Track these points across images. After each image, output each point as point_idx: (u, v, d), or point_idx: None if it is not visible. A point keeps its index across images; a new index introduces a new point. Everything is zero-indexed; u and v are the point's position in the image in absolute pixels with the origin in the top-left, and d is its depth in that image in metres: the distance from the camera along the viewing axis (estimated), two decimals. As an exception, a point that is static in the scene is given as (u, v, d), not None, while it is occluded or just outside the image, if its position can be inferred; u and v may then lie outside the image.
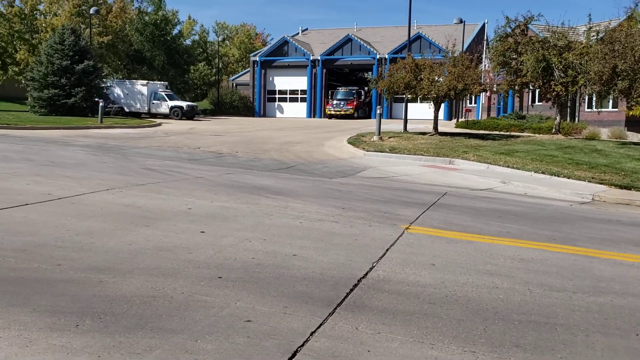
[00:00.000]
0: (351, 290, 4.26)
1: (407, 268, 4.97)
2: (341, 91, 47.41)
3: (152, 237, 5.50)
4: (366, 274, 4.69)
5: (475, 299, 4.24)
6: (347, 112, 45.29)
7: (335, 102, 46.39)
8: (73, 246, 5.07)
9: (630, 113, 25.82)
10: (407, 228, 6.65)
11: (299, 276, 4.52)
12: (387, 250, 5.54)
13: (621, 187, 11.97)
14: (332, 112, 45.93)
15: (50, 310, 3.58)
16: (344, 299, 4.05)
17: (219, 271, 4.52)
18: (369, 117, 46.22)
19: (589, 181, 12.43)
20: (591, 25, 22.48)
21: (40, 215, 6.24)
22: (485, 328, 3.67)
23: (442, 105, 26.27)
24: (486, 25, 43.46)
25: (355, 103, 45.94)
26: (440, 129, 24.52)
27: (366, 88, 48.19)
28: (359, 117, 45.46)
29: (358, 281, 4.49)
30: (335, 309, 3.85)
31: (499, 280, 4.72)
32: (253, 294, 4.03)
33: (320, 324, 3.57)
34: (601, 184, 12.18)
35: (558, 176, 13.05)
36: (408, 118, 26.69)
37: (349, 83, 51.14)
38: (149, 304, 3.76)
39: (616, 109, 29.43)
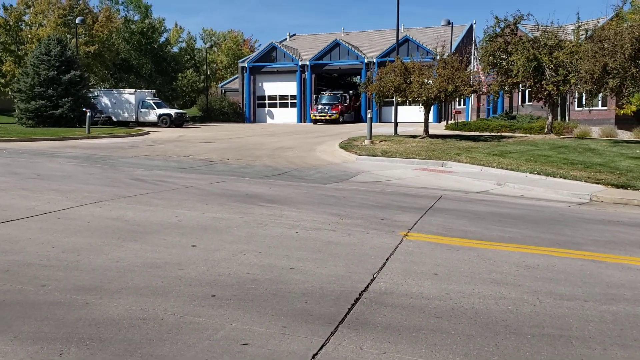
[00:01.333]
0: (353, 305, 4.04)
1: (409, 279, 4.76)
2: (325, 96, 46.57)
3: (141, 252, 5.26)
4: (367, 287, 4.48)
5: (483, 311, 4.03)
6: (332, 117, 44.27)
7: (320, 106, 45.41)
8: (59, 265, 4.82)
9: (622, 112, 25.83)
10: (405, 235, 6.44)
11: (297, 291, 4.29)
12: (387, 259, 5.33)
13: (617, 186, 11.83)
14: (317, 117, 44.95)
15: (33, 337, 3.34)
16: (345, 316, 3.83)
17: (212, 289, 4.29)
18: (356, 122, 45.90)
19: (585, 181, 12.29)
20: (580, 23, 22.47)
21: (25, 231, 5.99)
22: (497, 344, 3.46)
23: (432, 107, 26.14)
24: (474, 26, 43.48)
25: (340, 107, 44.97)
26: (431, 131, 24.40)
27: (351, 92, 47.71)
28: (344, 122, 44.69)
29: (359, 295, 4.27)
30: (338, 327, 3.63)
31: (506, 290, 4.52)
32: (249, 313, 3.80)
33: (323, 345, 3.35)
34: (597, 183, 12.05)
35: (554, 177, 12.90)
36: (398, 121, 26.55)
37: (338, 87, 51.01)
38: (139, 327, 3.52)
39: (606, 108, 29.47)
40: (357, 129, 31.55)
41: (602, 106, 29.71)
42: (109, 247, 5.42)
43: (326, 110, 44.65)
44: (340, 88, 50.30)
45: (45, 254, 5.13)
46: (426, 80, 22.13)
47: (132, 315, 3.72)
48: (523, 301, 4.27)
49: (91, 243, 5.56)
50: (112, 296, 4.08)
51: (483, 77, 25.37)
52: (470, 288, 4.55)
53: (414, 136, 23.47)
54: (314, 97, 48.67)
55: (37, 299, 3.98)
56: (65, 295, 4.07)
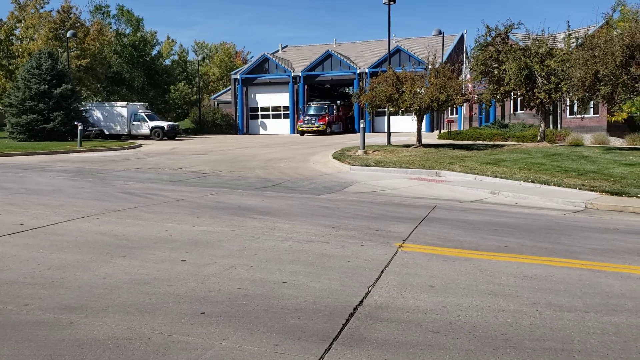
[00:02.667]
0: (347, 320, 3.91)
1: (405, 292, 4.63)
2: (312, 106, 45.73)
3: (129, 268, 5.11)
4: (362, 301, 4.35)
5: (482, 324, 3.91)
6: (319, 128, 43.19)
7: (306, 117, 44.42)
8: (43, 282, 4.67)
9: (613, 119, 25.89)
10: (400, 246, 6.32)
11: (290, 307, 4.15)
12: (382, 272, 5.21)
13: (612, 193, 11.77)
14: (304, 129, 43.83)
15: (12, 361, 3.19)
16: (340, 332, 3.69)
17: (201, 305, 4.14)
18: (344, 133, 45.17)
19: (579, 188, 12.22)
20: (570, 32, 22.53)
21: (10, 248, 5.83)
22: (497, 359, 3.34)
23: (424, 117, 26.13)
24: (465, 35, 43.66)
25: (327, 118, 43.83)
26: (424, 140, 24.37)
27: (339, 102, 46.73)
28: (332, 133, 43.70)
29: (354, 309, 4.14)
30: (332, 344, 3.50)
31: (504, 302, 4.40)
32: (240, 331, 3.66)
33: (316, 364, 3.21)
34: (592, 190, 11.97)
35: (548, 184, 12.83)
36: (391, 131, 26.52)
37: (330, 98, 51.01)
38: (124, 348, 3.38)
39: (597, 115, 29.56)
40: (350, 140, 31.52)
41: (594, 113, 29.79)
42: (96, 263, 5.27)
43: (313, 121, 43.68)
44: (333, 99, 50.27)
45: (30, 271, 4.98)
46: (418, 90, 22.11)
47: (117, 335, 3.57)
48: (522, 313, 4.15)
49: (78, 259, 5.41)
50: (97, 315, 3.93)
51: (471, 86, 25.35)
52: (468, 300, 4.42)
53: (407, 146, 23.41)
54: (301, 107, 48.27)
55: (19, 319, 3.83)
56: (48, 315, 3.91)
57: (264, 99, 51.95)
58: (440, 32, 39.04)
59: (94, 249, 5.83)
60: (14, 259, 5.39)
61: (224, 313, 3.99)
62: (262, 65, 51.75)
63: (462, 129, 37.33)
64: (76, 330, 3.64)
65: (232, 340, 3.51)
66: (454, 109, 39.92)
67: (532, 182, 13.25)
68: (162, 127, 39.85)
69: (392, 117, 26.97)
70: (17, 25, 49.13)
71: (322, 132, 43.17)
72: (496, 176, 14.28)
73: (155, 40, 64.43)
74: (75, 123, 31.48)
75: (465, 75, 31.17)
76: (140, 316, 3.91)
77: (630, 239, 7.32)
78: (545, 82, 21.25)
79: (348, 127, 48.20)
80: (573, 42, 21.92)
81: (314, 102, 47.04)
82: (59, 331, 3.63)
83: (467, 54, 40.98)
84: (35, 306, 4.09)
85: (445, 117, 42.99)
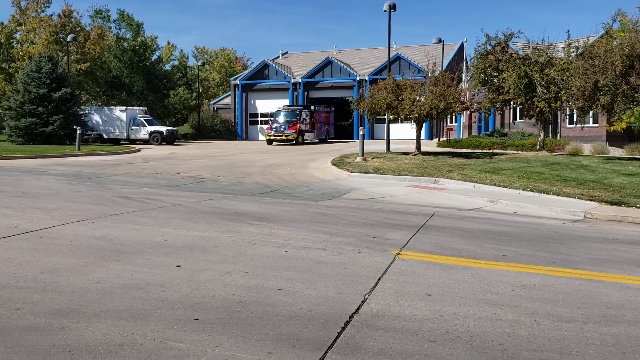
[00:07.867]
0: (343, 328, 3.85)
1: (401, 300, 4.58)
2: (283, 112, 40.88)
3: (123, 273, 5.06)
4: (358, 309, 4.29)
5: (479, 334, 3.85)
6: (289, 137, 38.77)
7: (274, 125, 39.76)
8: (36, 286, 4.61)
9: (612, 128, 25.90)
10: (398, 254, 6.27)
11: (285, 314, 4.10)
12: (378, 279, 5.15)
13: (611, 203, 11.72)
14: (272, 137, 39.19)
15: (1, 366, 3.13)
16: (335, 340, 3.63)
17: (195, 312, 4.09)
18: (322, 143, 41.94)
19: (578, 198, 12.18)
20: (570, 41, 22.56)
21: (4, 251, 5.77)
22: (494, 370, 3.29)
23: (424, 124, 26.11)
24: (465, 44, 43.72)
25: (298, 126, 39.24)
26: (423, 148, 24.33)
27: (312, 107, 43.05)
28: (303, 143, 39.50)
29: (350, 317, 4.08)
30: (326, 352, 3.44)
31: (502, 312, 4.34)
32: (234, 338, 3.61)
33: (310, 372, 3.16)
34: (591, 200, 11.93)
35: (547, 193, 12.79)
36: (390, 138, 26.48)
37: (330, 105, 51.02)
38: (116, 354, 3.32)
39: (597, 125, 29.56)
40: (349, 147, 31.50)
41: (593, 123, 29.80)
42: (90, 268, 5.22)
43: (282, 129, 39.10)
44: (333, 105, 50.22)
45: (23, 275, 4.92)
46: (418, 98, 22.10)
47: (109, 341, 3.52)
48: (520, 323, 4.09)
49: (72, 263, 5.36)
50: (89, 320, 3.87)
51: (465, 95, 25.34)
52: (465, 309, 4.37)
53: (406, 153, 23.38)
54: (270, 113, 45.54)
55: (10, 324, 3.77)
56: (40, 320, 3.86)
57: (264, 105, 51.95)
58: (440, 41, 39.15)
59: (88, 253, 5.77)
60: (7, 262, 5.34)
61: (218, 320, 3.94)
62: (262, 71, 51.80)
63: (461, 137, 37.33)
64: (67, 336, 3.59)
65: (225, 348, 3.45)
66: (454, 117, 39.91)
67: (531, 191, 13.20)
68: (160, 132, 39.82)
69: (391, 125, 26.94)
70: (18, 28, 49.25)
71: (293, 142, 39.02)
72: (495, 185, 14.23)
73: (155, 45, 64.57)
74: (74, 127, 31.46)
75: (465, 84, 31.20)
76: (133, 322, 3.85)
77: (629, 249, 7.27)
78: (544, 91, 21.26)
79: (326, 136, 44.92)
80: (573, 52, 21.94)
81: (285, 107, 43.13)
82: (49, 336, 3.57)
83: (466, 63, 41.04)
84: (26, 310, 4.03)
85: (444, 125, 42.99)
